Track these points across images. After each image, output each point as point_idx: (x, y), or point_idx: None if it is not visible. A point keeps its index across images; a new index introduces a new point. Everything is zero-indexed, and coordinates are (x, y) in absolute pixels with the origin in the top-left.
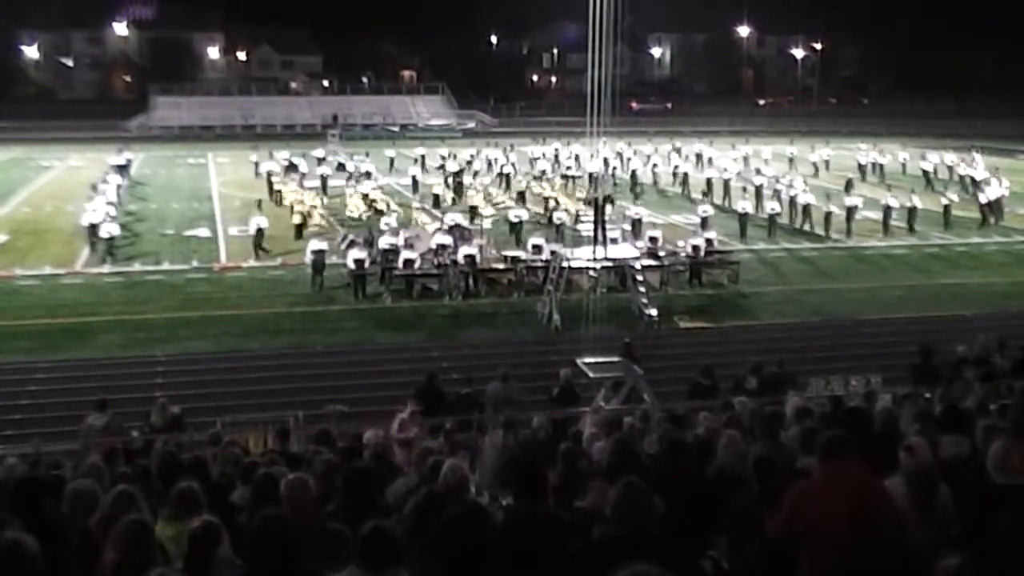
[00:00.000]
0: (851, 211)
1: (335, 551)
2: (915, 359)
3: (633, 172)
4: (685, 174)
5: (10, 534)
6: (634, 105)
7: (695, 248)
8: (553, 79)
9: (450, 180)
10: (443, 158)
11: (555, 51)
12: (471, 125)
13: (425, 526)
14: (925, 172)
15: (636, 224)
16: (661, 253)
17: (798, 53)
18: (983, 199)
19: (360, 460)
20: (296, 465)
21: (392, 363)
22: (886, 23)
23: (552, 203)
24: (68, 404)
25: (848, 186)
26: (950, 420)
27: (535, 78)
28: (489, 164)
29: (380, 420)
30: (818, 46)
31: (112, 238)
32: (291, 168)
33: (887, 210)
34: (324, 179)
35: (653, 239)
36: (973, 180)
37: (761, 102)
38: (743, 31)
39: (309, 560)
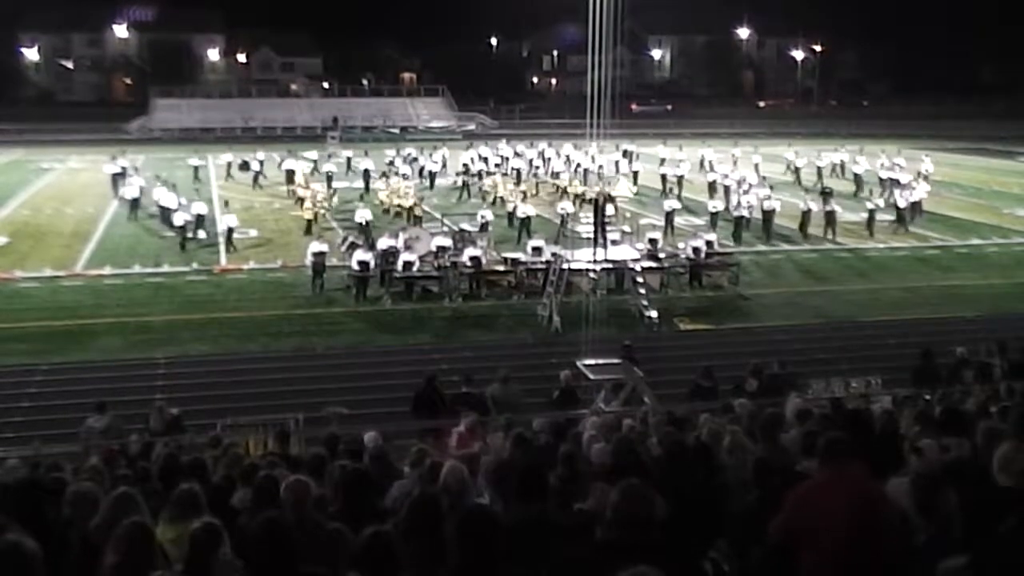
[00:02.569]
0: (769, 215)
1: (335, 553)
2: (915, 361)
3: (585, 171)
4: (636, 172)
5: (11, 537)
6: (634, 107)
7: (695, 250)
8: (553, 81)
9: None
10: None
11: (555, 53)
12: (471, 127)
13: (421, 528)
14: (856, 175)
15: (669, 216)
16: (661, 255)
17: (798, 55)
18: (901, 203)
19: (359, 462)
20: (298, 468)
21: (392, 365)
22: (886, 25)
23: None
24: (68, 406)
25: (825, 194)
26: (950, 422)
27: (535, 80)
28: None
29: (380, 422)
30: (818, 48)
31: (231, 229)
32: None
33: (805, 214)
34: (329, 177)
35: (653, 241)
36: (892, 182)
37: (761, 104)
38: (743, 33)
39: (310, 562)
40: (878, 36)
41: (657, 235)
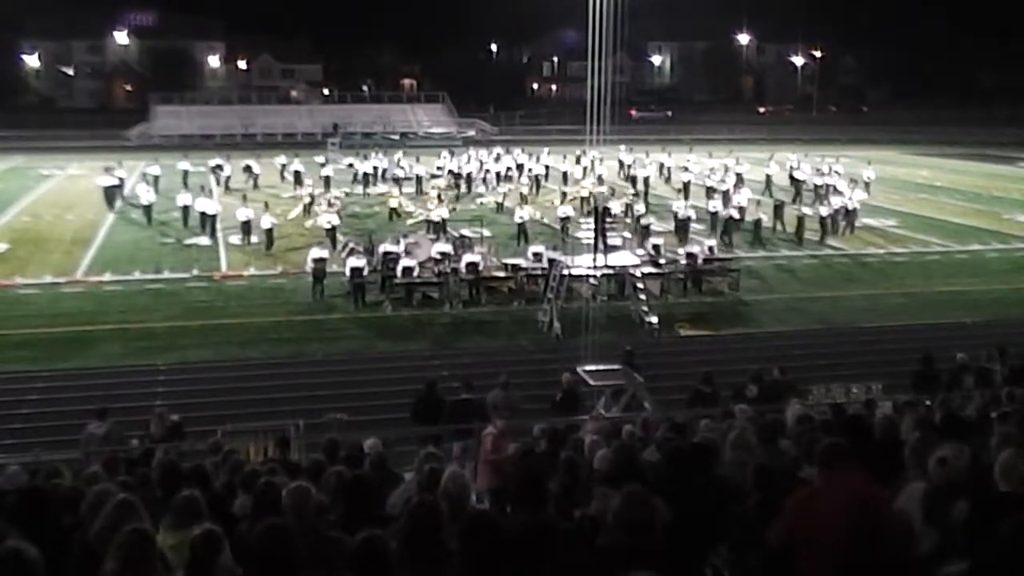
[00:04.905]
0: (686, 221)
1: (336, 560)
2: (916, 366)
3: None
4: (600, 176)
5: (11, 543)
6: (634, 113)
7: (689, 255)
8: (553, 87)
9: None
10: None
11: (555, 59)
12: (471, 133)
13: (421, 533)
14: (796, 181)
15: (685, 221)
16: (661, 261)
17: (798, 61)
18: (824, 211)
19: (360, 469)
20: (298, 474)
21: (392, 372)
22: (886, 31)
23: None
24: (69, 413)
25: (777, 207)
26: (950, 427)
27: (535, 86)
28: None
29: (380, 429)
30: (818, 54)
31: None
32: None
33: (728, 221)
34: (327, 180)
35: (656, 247)
36: (825, 188)
37: (761, 110)
38: (743, 39)
39: (310, 569)
40: (878, 42)
41: (659, 240)
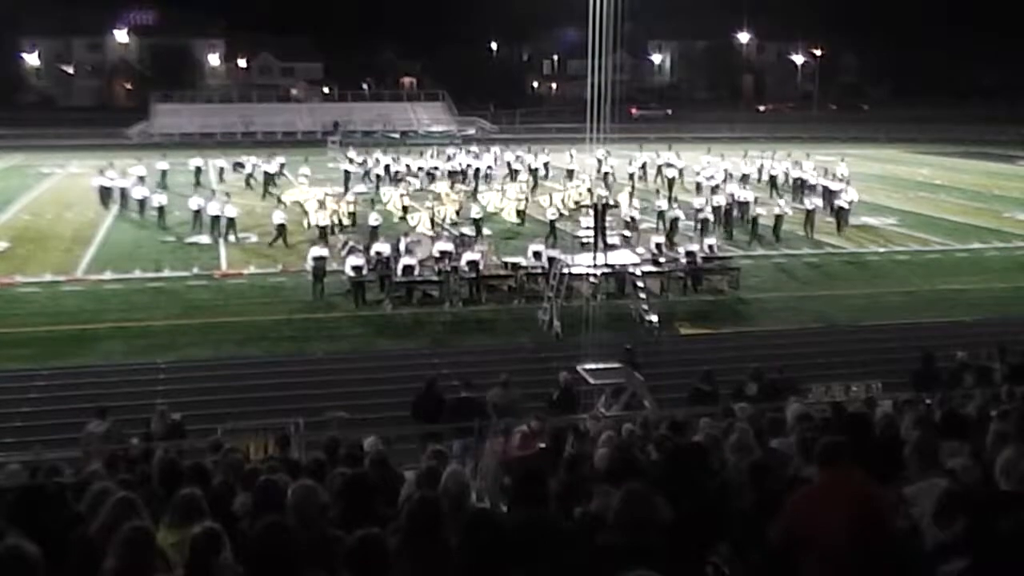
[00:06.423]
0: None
1: (335, 559)
2: (916, 365)
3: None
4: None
5: (11, 541)
6: (634, 111)
7: (689, 254)
8: (553, 85)
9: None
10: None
11: (555, 57)
12: (471, 131)
13: (421, 531)
14: (796, 180)
15: (674, 222)
16: (661, 259)
17: (798, 59)
18: (776, 210)
19: (359, 467)
20: (298, 473)
21: (392, 370)
22: (886, 30)
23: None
24: (69, 411)
25: (727, 213)
26: (950, 426)
27: (535, 84)
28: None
29: (380, 427)
30: (818, 52)
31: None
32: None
33: (673, 221)
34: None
35: (659, 245)
36: (802, 184)
37: (761, 108)
38: (743, 37)
39: (310, 568)
40: (878, 40)
41: (660, 239)
